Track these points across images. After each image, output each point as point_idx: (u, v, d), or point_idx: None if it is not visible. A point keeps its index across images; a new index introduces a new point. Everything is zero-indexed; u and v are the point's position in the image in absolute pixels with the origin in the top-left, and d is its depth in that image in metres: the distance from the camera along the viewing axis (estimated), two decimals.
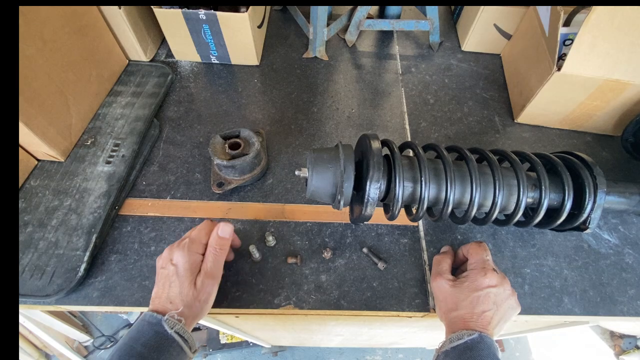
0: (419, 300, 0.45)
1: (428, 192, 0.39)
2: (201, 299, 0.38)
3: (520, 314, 0.45)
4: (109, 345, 1.36)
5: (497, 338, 0.40)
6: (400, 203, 0.39)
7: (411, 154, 0.43)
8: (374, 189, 0.37)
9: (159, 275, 0.39)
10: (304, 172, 0.41)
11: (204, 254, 0.40)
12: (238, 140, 0.50)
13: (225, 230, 0.41)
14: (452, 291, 0.40)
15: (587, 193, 0.40)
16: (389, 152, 0.42)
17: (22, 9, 0.43)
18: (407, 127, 0.62)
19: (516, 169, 0.41)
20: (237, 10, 0.60)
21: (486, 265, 0.41)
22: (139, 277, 0.45)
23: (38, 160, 0.52)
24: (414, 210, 0.43)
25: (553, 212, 0.42)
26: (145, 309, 0.38)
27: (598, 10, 0.45)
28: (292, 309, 0.44)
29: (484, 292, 0.39)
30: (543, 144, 0.61)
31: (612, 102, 0.55)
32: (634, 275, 0.48)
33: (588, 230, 0.42)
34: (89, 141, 0.55)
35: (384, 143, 0.42)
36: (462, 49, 0.75)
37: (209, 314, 0.41)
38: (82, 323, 1.40)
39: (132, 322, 1.42)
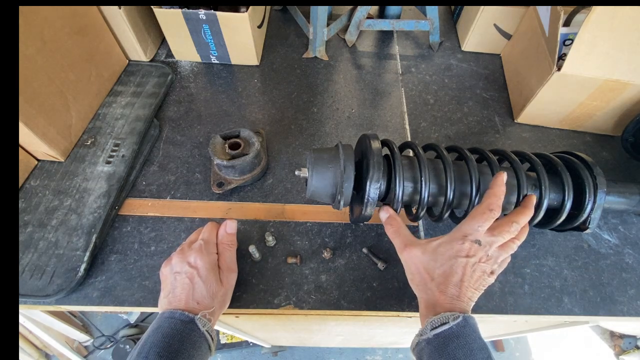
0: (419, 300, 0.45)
1: (428, 192, 0.39)
2: (228, 293, 0.41)
3: (520, 313, 0.45)
4: (109, 345, 1.36)
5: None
6: (400, 203, 0.39)
7: (411, 154, 0.43)
8: (374, 189, 0.37)
9: (176, 281, 0.39)
10: (304, 172, 0.41)
11: (216, 254, 0.42)
12: (238, 140, 0.50)
13: (232, 227, 0.44)
14: (425, 259, 0.37)
15: (587, 193, 0.40)
16: (389, 152, 0.42)
17: (22, 9, 0.43)
18: (407, 127, 0.62)
19: (516, 169, 0.41)
20: (237, 10, 0.60)
21: (470, 234, 0.36)
22: (139, 277, 0.45)
23: (38, 160, 0.52)
24: (414, 210, 0.43)
25: (553, 212, 0.42)
26: (145, 309, 0.38)
27: (598, 10, 0.45)
28: (292, 309, 0.44)
29: (460, 261, 0.35)
30: (543, 144, 0.61)
31: (612, 102, 0.55)
32: (634, 275, 0.48)
33: (588, 230, 0.42)
34: (89, 141, 0.55)
35: (384, 143, 0.42)
36: (462, 49, 0.75)
37: None
38: (82, 323, 1.40)
39: (132, 322, 1.42)
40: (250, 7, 0.59)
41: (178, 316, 0.35)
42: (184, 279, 0.38)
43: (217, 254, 0.42)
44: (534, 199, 0.40)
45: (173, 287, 0.39)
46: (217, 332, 1.36)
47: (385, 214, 0.42)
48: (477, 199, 0.39)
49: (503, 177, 0.38)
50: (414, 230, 0.50)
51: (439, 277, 0.36)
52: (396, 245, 0.41)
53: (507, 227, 0.37)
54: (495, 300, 0.46)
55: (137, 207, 0.50)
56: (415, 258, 0.38)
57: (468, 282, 0.35)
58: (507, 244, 0.38)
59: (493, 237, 0.36)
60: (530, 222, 0.42)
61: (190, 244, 0.42)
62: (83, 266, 0.43)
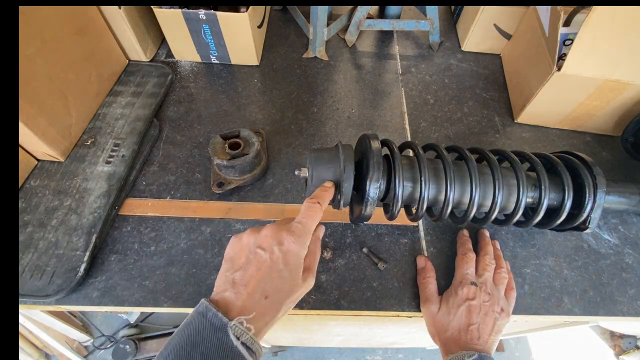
0: (418, 300, 0.45)
1: (428, 192, 0.39)
2: (300, 297, 0.33)
3: (520, 313, 0.45)
4: (109, 345, 1.36)
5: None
6: (400, 203, 0.39)
7: (411, 154, 0.43)
8: (373, 189, 0.37)
9: (255, 256, 0.31)
10: (304, 172, 0.41)
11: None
12: (238, 140, 0.50)
13: (322, 233, 0.39)
14: (440, 314, 0.42)
15: (587, 193, 0.40)
16: (388, 152, 0.42)
17: (22, 9, 0.43)
18: (407, 127, 0.62)
19: (516, 168, 0.41)
20: (237, 10, 0.60)
21: (464, 279, 0.42)
22: (139, 277, 0.45)
23: (38, 160, 0.52)
24: (413, 210, 0.43)
25: (553, 212, 0.42)
26: (145, 309, 0.35)
27: (598, 10, 0.45)
28: (292, 309, 0.43)
29: (465, 306, 0.40)
30: (543, 144, 0.61)
31: (612, 102, 0.55)
32: (634, 275, 0.48)
33: (588, 230, 0.42)
34: (89, 141, 0.55)
35: (384, 143, 0.42)
36: (462, 49, 0.75)
37: None
38: (82, 323, 1.40)
39: (132, 322, 1.42)
40: (250, 7, 0.60)
41: (211, 317, 0.28)
42: (266, 260, 0.31)
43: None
44: (486, 232, 0.49)
45: (248, 262, 0.31)
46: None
47: (421, 263, 0.47)
48: (476, 199, 0.39)
49: (463, 231, 0.49)
50: (414, 230, 0.50)
51: (452, 329, 0.40)
52: (420, 297, 0.45)
53: (483, 262, 0.44)
54: None
55: (137, 207, 0.50)
56: (432, 313, 0.42)
57: (483, 328, 0.39)
58: (496, 276, 0.44)
59: (481, 276, 0.43)
60: (530, 222, 0.42)
61: (286, 221, 0.34)
62: (83, 266, 0.43)
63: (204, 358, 0.27)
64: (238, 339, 0.27)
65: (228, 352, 0.27)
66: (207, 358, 0.26)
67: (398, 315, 0.45)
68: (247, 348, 0.28)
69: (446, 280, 0.46)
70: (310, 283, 0.34)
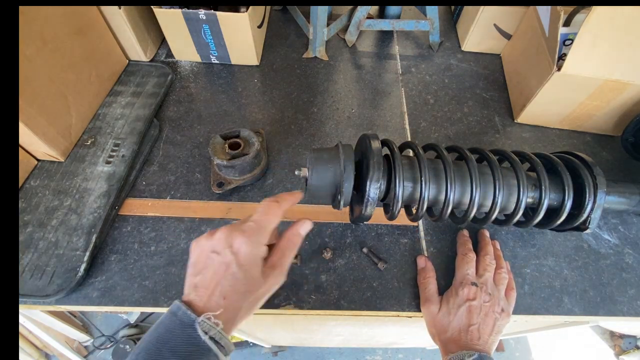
0: (418, 300, 0.45)
1: (428, 192, 0.39)
2: (266, 295, 0.34)
3: (520, 313, 0.45)
4: (109, 345, 1.36)
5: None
6: (400, 203, 0.39)
7: (411, 154, 0.43)
8: (374, 189, 0.37)
9: (211, 261, 0.32)
10: (304, 172, 0.41)
11: (267, 245, 0.34)
12: (238, 140, 0.50)
13: (307, 229, 0.37)
14: (440, 315, 0.42)
15: (587, 193, 0.40)
16: (389, 152, 0.42)
17: (22, 9, 0.43)
18: (407, 127, 0.62)
19: (516, 169, 0.41)
20: (237, 10, 0.60)
21: (464, 280, 0.43)
22: (139, 277, 0.45)
23: (38, 160, 0.52)
24: (414, 210, 0.43)
25: (553, 212, 0.42)
26: (145, 309, 0.36)
27: (598, 10, 0.45)
28: (292, 309, 0.44)
29: (465, 307, 0.40)
30: (543, 144, 0.61)
31: (612, 102, 0.55)
32: (634, 275, 0.48)
33: (588, 230, 0.42)
34: (89, 141, 0.55)
35: (384, 143, 0.42)
36: (462, 49, 0.75)
37: None
38: (82, 323, 1.40)
39: (132, 322, 1.42)
40: (250, 7, 0.60)
41: (181, 315, 0.29)
42: (220, 264, 0.32)
43: (268, 245, 0.34)
44: (486, 233, 0.49)
45: (205, 267, 0.32)
46: None
47: (421, 263, 0.47)
48: (477, 199, 0.39)
49: (463, 231, 0.49)
50: (414, 230, 0.50)
51: (453, 330, 0.40)
52: (420, 297, 0.45)
53: (484, 262, 0.44)
54: None
55: (137, 207, 0.50)
56: (433, 313, 0.42)
57: (483, 328, 0.39)
58: (497, 277, 0.44)
59: (481, 276, 0.43)
60: (530, 222, 0.42)
61: (244, 221, 0.34)
62: (83, 266, 0.43)
63: (173, 353, 0.28)
64: (206, 333, 0.28)
65: (196, 346, 0.28)
66: (176, 353, 0.28)
67: (398, 315, 0.45)
68: (216, 342, 0.29)
69: (446, 280, 0.46)
70: (278, 279, 0.34)
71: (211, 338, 0.29)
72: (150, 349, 0.28)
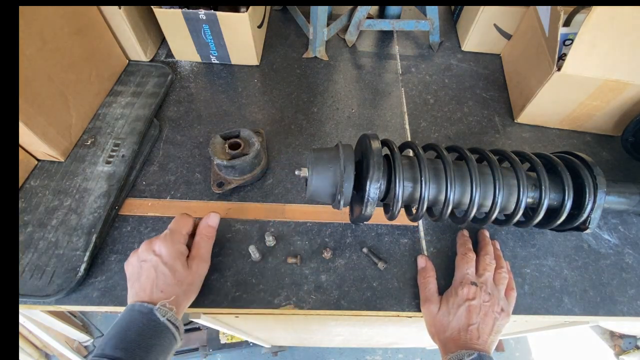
0: (418, 300, 0.45)
1: (428, 192, 0.39)
2: (196, 281, 0.41)
3: (520, 313, 0.45)
4: None
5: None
6: (400, 203, 0.39)
7: (411, 154, 0.43)
8: (374, 189, 0.37)
9: (142, 269, 0.39)
10: (304, 172, 0.41)
11: (185, 244, 0.42)
12: (238, 140, 0.50)
13: (215, 220, 0.45)
14: (440, 314, 0.42)
15: (587, 193, 0.40)
16: (389, 152, 0.42)
17: (22, 9, 0.43)
18: (407, 127, 0.62)
19: (516, 169, 0.41)
20: (237, 10, 0.60)
21: (464, 279, 0.43)
22: None
23: (38, 160, 0.52)
24: (414, 210, 0.43)
25: (553, 212, 0.42)
26: None
27: (598, 10, 0.45)
28: (292, 309, 0.44)
29: (465, 306, 0.40)
30: (543, 144, 0.61)
31: (612, 102, 0.55)
32: (634, 275, 0.48)
33: (588, 231, 0.42)
34: (89, 141, 0.55)
35: (384, 143, 0.42)
36: (462, 49, 0.75)
37: (208, 314, 0.41)
38: (82, 323, 1.40)
39: None
40: (250, 7, 0.60)
41: (137, 307, 0.36)
42: (149, 268, 0.38)
43: (186, 244, 0.42)
44: (486, 233, 0.49)
45: (139, 276, 0.39)
46: (217, 332, 1.36)
47: (421, 263, 0.47)
48: (477, 199, 0.39)
49: (463, 231, 0.49)
50: (414, 230, 0.50)
51: (452, 329, 0.40)
52: (420, 297, 0.45)
53: (484, 262, 0.44)
54: None
55: (137, 207, 0.50)
56: (432, 313, 0.42)
57: (483, 328, 0.39)
58: (497, 276, 0.44)
59: (481, 276, 0.43)
60: (530, 222, 0.42)
61: (158, 236, 0.42)
62: (83, 266, 0.43)
63: (138, 334, 0.34)
64: (164, 316, 0.36)
65: (157, 326, 0.35)
66: (141, 333, 0.34)
67: (398, 315, 0.45)
68: (172, 323, 0.36)
69: (446, 280, 0.46)
70: (200, 267, 0.41)
71: (168, 319, 0.36)
72: (118, 334, 0.34)
